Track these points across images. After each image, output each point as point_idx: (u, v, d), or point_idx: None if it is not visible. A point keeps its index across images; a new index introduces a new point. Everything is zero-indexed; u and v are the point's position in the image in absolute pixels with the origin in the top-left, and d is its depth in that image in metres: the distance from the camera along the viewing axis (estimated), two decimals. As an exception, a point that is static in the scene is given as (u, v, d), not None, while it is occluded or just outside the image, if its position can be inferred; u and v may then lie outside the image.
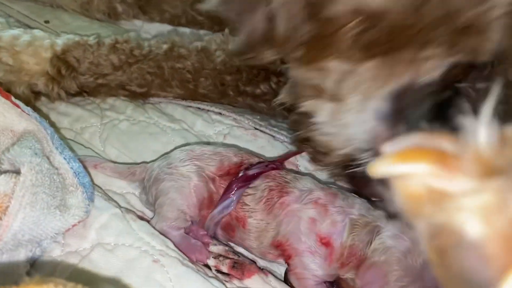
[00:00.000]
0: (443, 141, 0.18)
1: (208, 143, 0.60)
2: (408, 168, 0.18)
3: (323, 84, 0.52)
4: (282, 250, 0.49)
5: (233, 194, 0.51)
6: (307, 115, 0.54)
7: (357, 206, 0.49)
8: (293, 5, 0.48)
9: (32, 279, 0.28)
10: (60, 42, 0.65)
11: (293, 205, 0.49)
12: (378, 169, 0.19)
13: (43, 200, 0.43)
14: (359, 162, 0.52)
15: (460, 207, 0.17)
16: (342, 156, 0.53)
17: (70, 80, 0.64)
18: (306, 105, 0.54)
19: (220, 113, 0.66)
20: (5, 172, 0.43)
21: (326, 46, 0.49)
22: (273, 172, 0.52)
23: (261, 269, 0.51)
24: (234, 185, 0.51)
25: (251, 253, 0.52)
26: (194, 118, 0.65)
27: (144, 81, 0.66)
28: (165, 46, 0.66)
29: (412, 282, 0.44)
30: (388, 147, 0.19)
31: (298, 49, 0.51)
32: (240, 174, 0.52)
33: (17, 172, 0.43)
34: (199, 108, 0.67)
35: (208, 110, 0.67)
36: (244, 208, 0.50)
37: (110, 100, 0.65)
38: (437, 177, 0.18)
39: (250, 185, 0.51)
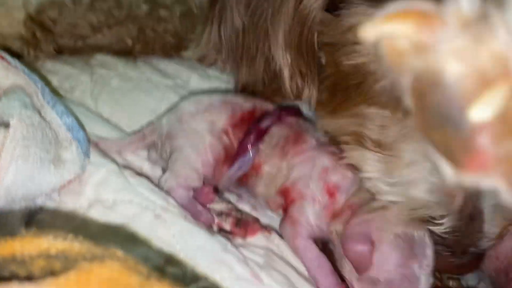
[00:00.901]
0: (427, 4, 0.20)
1: (214, 92, 0.58)
2: (394, 28, 0.20)
3: (362, 130, 0.46)
4: (286, 196, 0.48)
5: (248, 152, 0.49)
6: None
7: None
8: (298, 63, 0.47)
9: (29, 231, 0.26)
10: (34, 1, 0.61)
11: (309, 152, 0.48)
12: (368, 31, 0.20)
13: (35, 153, 0.40)
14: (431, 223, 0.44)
15: (439, 52, 0.19)
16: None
17: (47, 43, 0.60)
18: (348, 156, 0.47)
19: (216, 69, 0.64)
20: (-6, 124, 0.40)
21: (353, 94, 0.45)
22: (290, 119, 0.51)
23: (265, 227, 0.50)
24: (248, 142, 0.49)
25: (256, 199, 0.51)
26: (189, 73, 0.62)
27: (125, 45, 0.62)
28: (145, 7, 0.62)
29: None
30: (378, 13, 0.20)
31: (318, 96, 0.49)
32: (252, 128, 0.50)
33: (6, 126, 0.40)
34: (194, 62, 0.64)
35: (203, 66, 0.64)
36: (259, 155, 0.49)
37: (100, 56, 0.61)
38: (420, 32, 0.20)
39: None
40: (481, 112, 0.18)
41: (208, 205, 0.51)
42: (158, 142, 0.51)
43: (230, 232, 0.49)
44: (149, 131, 0.53)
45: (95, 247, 0.25)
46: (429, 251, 0.42)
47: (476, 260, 0.46)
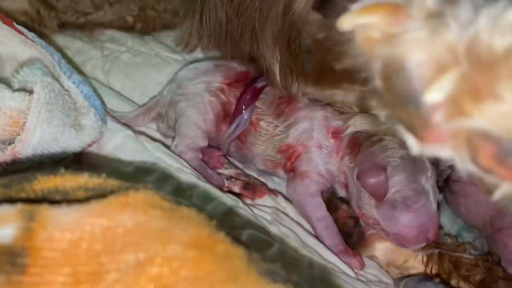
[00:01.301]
0: None
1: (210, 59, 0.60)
2: (368, 19, 0.22)
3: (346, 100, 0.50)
4: (290, 153, 0.50)
5: (245, 111, 0.51)
6: None
7: None
8: (287, 61, 0.48)
9: (68, 171, 0.28)
10: None
11: (304, 110, 0.50)
12: (345, 22, 0.23)
13: (58, 117, 0.43)
14: None
15: (404, 41, 0.22)
16: None
17: (50, 19, 0.62)
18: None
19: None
20: (18, 90, 0.42)
21: (336, 78, 0.48)
22: None
23: (271, 190, 0.52)
24: (244, 102, 0.52)
25: (257, 165, 0.53)
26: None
27: (126, 22, 0.64)
28: None
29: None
30: (354, 6, 0.23)
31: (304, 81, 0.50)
32: (248, 87, 0.52)
33: (30, 92, 0.43)
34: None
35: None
36: (256, 111, 0.51)
37: (109, 32, 0.64)
38: (390, 23, 0.22)
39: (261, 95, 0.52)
40: (435, 94, 0.21)
41: (218, 170, 0.53)
42: (163, 111, 0.53)
43: (239, 195, 0.51)
44: (153, 104, 0.55)
45: (128, 183, 0.27)
46: (428, 164, 0.46)
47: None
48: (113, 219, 0.23)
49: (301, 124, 0.50)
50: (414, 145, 0.23)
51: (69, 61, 0.60)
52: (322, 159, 0.49)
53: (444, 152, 0.22)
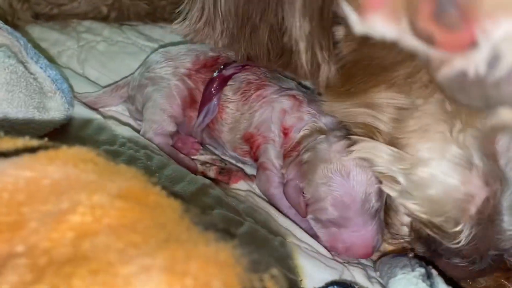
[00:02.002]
0: None
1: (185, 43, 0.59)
2: None
3: (374, 122, 0.42)
4: (252, 142, 0.49)
5: (214, 97, 0.50)
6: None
7: (329, 120, 0.48)
8: (317, 35, 0.40)
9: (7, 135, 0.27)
10: None
11: (269, 96, 0.49)
12: None
13: (20, 98, 0.42)
14: (447, 237, 0.40)
15: None
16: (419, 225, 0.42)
17: (24, 12, 0.62)
18: (359, 148, 0.42)
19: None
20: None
21: (372, 74, 0.40)
22: (255, 68, 0.52)
23: (248, 176, 0.51)
24: (212, 89, 0.51)
25: (229, 151, 0.52)
26: (173, 37, 0.64)
27: (100, 13, 0.64)
28: None
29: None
30: None
31: (330, 78, 0.43)
32: (216, 74, 0.51)
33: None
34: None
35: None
36: (222, 98, 0.50)
37: (86, 23, 0.63)
38: None
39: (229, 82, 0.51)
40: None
41: (192, 157, 0.52)
42: (132, 94, 0.53)
43: (214, 180, 0.50)
44: (122, 83, 0.54)
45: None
46: (367, 168, 0.43)
47: (497, 262, 0.41)
48: (39, 171, 0.22)
49: (263, 113, 0.49)
50: (356, 22, 0.22)
51: (45, 52, 0.60)
52: (275, 155, 0.48)
53: (384, 25, 0.21)
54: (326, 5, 0.40)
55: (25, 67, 0.46)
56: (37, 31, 0.62)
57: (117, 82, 0.55)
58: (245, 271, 0.19)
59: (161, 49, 0.55)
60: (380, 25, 0.21)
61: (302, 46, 0.42)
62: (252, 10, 0.45)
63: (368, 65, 0.40)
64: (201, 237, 0.20)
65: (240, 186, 0.50)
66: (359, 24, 0.22)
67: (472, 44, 0.24)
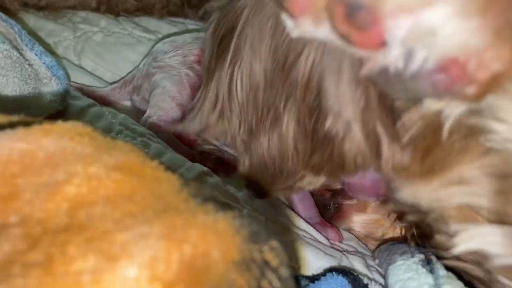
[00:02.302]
0: None
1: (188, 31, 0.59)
2: None
3: (472, 200, 0.33)
4: None
5: None
6: None
7: None
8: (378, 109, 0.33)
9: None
10: None
11: None
12: None
13: (14, 83, 0.41)
14: None
15: None
16: None
17: (11, 2, 0.61)
18: (464, 238, 0.33)
19: (197, 24, 0.65)
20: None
21: (455, 151, 0.32)
22: None
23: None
24: None
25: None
26: (169, 28, 0.64)
27: (89, 7, 0.63)
28: None
29: None
30: None
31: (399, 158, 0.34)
32: None
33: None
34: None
35: (184, 22, 0.65)
36: None
37: (83, 13, 0.63)
38: None
39: None
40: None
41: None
42: (138, 84, 0.52)
43: (212, 169, 0.50)
44: (129, 78, 0.54)
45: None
46: None
47: None
48: (34, 143, 0.21)
49: None
50: (291, 25, 0.23)
51: (41, 42, 0.60)
52: None
53: (313, 28, 0.22)
54: None
55: (20, 53, 0.46)
56: (32, 20, 0.62)
57: (124, 77, 0.55)
58: (244, 241, 0.19)
59: (167, 39, 0.55)
60: (310, 28, 0.22)
61: (356, 127, 0.33)
62: (275, 96, 0.36)
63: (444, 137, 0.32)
64: (200, 208, 0.19)
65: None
66: (293, 29, 0.22)
67: (383, 43, 0.25)
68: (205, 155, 0.51)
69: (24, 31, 0.48)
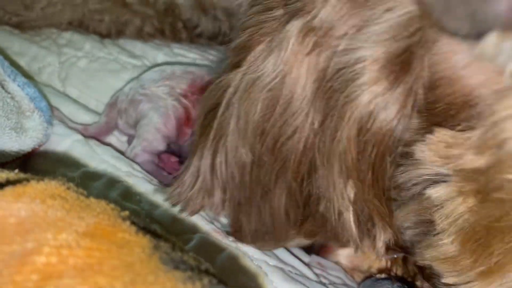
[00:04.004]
0: None
1: (180, 63, 0.59)
2: None
3: None
4: None
5: None
6: None
7: None
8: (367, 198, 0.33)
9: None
10: None
11: None
12: None
13: (-4, 120, 0.41)
14: None
15: None
16: None
17: None
18: None
19: (181, 48, 0.65)
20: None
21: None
22: None
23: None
24: None
25: None
26: (155, 53, 0.63)
27: (60, 26, 0.63)
28: None
29: None
30: None
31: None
32: None
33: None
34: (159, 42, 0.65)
35: (170, 45, 0.65)
36: None
37: (67, 35, 0.63)
38: None
39: None
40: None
41: (174, 174, 0.52)
42: (122, 107, 0.52)
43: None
44: (113, 100, 0.54)
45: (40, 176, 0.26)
46: None
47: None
48: (6, 208, 0.22)
49: None
50: None
51: (26, 69, 0.60)
52: None
53: None
54: (377, 168, 0.32)
55: (1, 85, 0.46)
56: (16, 44, 0.62)
57: (109, 102, 0.55)
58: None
59: (157, 68, 0.55)
60: None
61: (348, 216, 0.34)
62: (265, 175, 0.36)
63: (503, 228, 0.29)
64: (168, 278, 0.20)
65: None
66: None
67: None
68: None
69: (6, 62, 0.48)
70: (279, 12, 0.34)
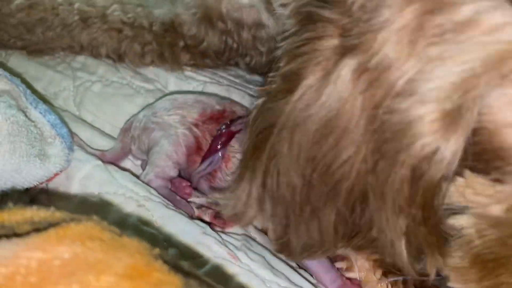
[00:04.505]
0: None
1: (191, 92, 0.61)
2: None
3: None
4: None
5: (219, 150, 0.53)
6: None
7: None
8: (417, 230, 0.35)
9: (16, 205, 0.29)
10: None
11: None
12: None
13: (21, 148, 0.43)
14: None
15: None
16: None
17: None
18: None
19: (193, 70, 0.67)
20: (-20, 124, 0.43)
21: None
22: None
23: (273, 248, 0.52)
24: (219, 141, 0.53)
25: None
26: (167, 76, 0.65)
27: (72, 49, 0.65)
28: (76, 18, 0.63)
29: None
30: None
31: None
32: (224, 129, 0.53)
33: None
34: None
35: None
36: (229, 149, 0.52)
37: (81, 58, 0.65)
38: None
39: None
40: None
41: (188, 199, 0.54)
42: (135, 134, 0.54)
43: (210, 223, 0.52)
44: (127, 126, 0.56)
45: (74, 215, 0.28)
46: None
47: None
48: (50, 251, 0.23)
49: None
50: None
51: (43, 93, 0.62)
52: None
53: None
54: (428, 206, 0.34)
55: (25, 113, 0.48)
56: (32, 68, 0.63)
57: (123, 127, 0.57)
58: None
59: (168, 96, 0.57)
60: None
61: (399, 245, 0.36)
62: (314, 197, 0.38)
63: (508, 259, 0.33)
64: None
65: (235, 230, 0.51)
66: None
67: None
68: (203, 209, 0.53)
69: (28, 90, 0.50)
70: (334, 42, 0.35)
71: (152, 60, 0.65)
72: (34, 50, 0.65)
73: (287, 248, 0.43)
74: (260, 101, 0.41)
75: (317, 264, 0.48)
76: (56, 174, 0.47)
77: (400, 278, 0.47)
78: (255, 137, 0.41)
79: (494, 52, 0.29)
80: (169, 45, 0.65)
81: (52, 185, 0.48)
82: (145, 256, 0.25)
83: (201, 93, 0.62)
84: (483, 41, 0.29)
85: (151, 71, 0.66)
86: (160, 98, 0.58)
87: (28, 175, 0.44)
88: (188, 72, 0.66)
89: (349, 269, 0.48)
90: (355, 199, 0.36)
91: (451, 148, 0.31)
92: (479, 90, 0.30)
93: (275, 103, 0.38)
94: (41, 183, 0.47)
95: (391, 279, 0.47)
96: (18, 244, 0.24)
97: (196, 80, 0.65)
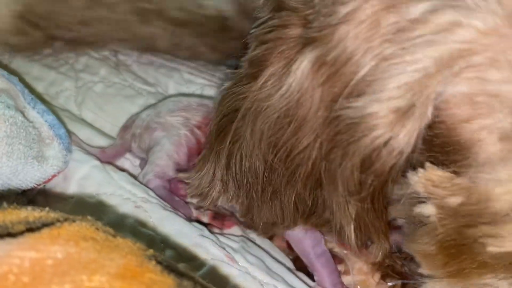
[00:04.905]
0: None
1: (195, 95, 0.61)
2: None
3: None
4: None
5: None
6: None
7: None
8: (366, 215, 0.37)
9: (10, 206, 0.29)
10: None
11: None
12: None
13: (19, 150, 0.43)
14: None
15: None
16: None
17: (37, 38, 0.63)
18: None
19: (191, 73, 0.67)
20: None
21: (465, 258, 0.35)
22: None
23: (241, 222, 0.53)
24: None
25: None
26: (166, 80, 0.65)
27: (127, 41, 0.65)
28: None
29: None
30: None
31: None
32: None
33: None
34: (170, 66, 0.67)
35: (180, 70, 0.67)
36: None
37: (83, 59, 0.65)
38: None
39: None
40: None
41: (187, 200, 0.54)
42: (137, 132, 0.55)
43: (208, 224, 0.52)
44: (128, 124, 0.57)
45: (69, 215, 0.28)
46: None
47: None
48: (43, 251, 0.23)
49: None
50: None
51: (44, 93, 0.62)
52: None
53: None
54: (377, 195, 0.36)
55: (23, 113, 0.48)
56: (35, 70, 0.64)
57: (124, 124, 0.57)
58: None
59: (173, 98, 0.58)
60: None
61: (349, 230, 0.39)
62: (276, 179, 0.41)
63: (468, 246, 0.34)
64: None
65: (234, 231, 0.51)
66: None
67: None
68: (201, 210, 0.53)
69: (26, 90, 0.50)
70: (297, 31, 0.36)
71: (205, 52, 0.66)
72: (84, 43, 0.65)
73: (252, 224, 0.46)
74: (228, 84, 0.43)
75: (324, 263, 0.48)
76: (53, 176, 0.47)
77: (399, 281, 0.47)
78: (220, 120, 0.43)
79: (445, 52, 0.30)
80: (222, 38, 0.66)
81: (49, 185, 0.48)
82: (139, 257, 0.25)
83: (205, 96, 0.62)
84: (434, 41, 0.30)
85: (151, 76, 0.66)
86: (163, 99, 0.58)
87: (26, 177, 0.44)
88: (187, 76, 0.66)
89: (346, 272, 0.48)
90: (312, 183, 0.39)
91: (401, 141, 0.32)
92: (433, 89, 0.31)
93: (240, 88, 0.40)
94: (39, 185, 0.46)
95: (390, 283, 0.47)
96: (11, 244, 0.24)
97: (195, 83, 0.65)
